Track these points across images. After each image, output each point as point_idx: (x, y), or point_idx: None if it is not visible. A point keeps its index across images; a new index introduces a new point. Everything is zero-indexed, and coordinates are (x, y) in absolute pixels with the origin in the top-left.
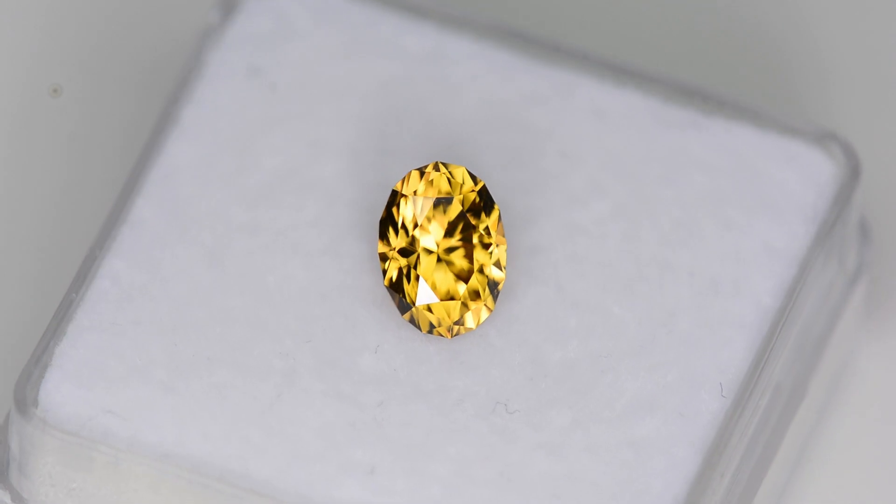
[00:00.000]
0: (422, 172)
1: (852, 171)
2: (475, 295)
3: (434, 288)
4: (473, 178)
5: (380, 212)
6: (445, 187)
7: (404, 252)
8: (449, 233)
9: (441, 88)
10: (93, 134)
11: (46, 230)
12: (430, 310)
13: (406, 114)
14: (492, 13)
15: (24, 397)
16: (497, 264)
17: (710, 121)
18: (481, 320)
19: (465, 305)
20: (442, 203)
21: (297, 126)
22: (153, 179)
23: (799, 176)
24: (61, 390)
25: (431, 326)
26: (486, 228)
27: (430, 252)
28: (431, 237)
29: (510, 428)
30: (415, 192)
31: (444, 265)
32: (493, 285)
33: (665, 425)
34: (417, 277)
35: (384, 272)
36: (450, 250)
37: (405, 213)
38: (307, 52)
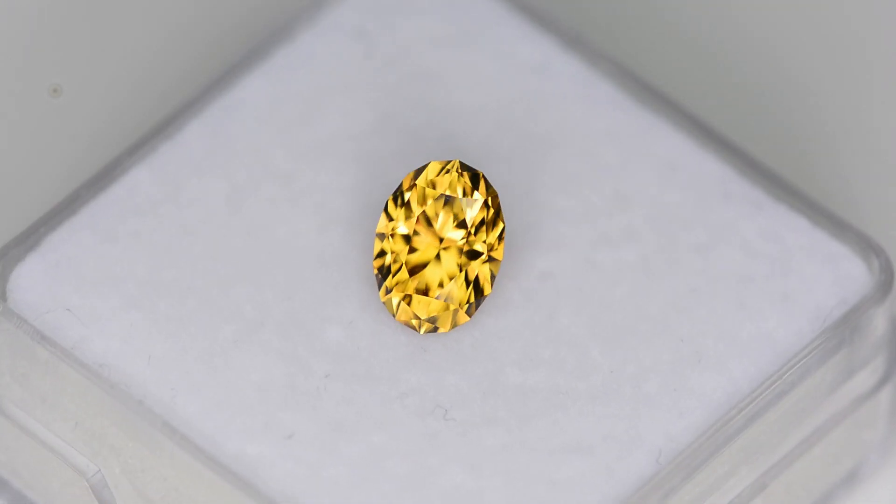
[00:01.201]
0: (442, 167)
1: (883, 285)
2: (456, 300)
3: (418, 280)
4: (489, 186)
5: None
6: (459, 187)
7: (404, 238)
8: (450, 232)
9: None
10: (93, 134)
11: None
12: (408, 300)
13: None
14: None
15: (2, 267)
16: (487, 279)
17: (774, 204)
18: (455, 325)
19: (445, 307)
20: (452, 201)
21: (373, 96)
22: (217, 106)
23: (832, 278)
24: (32, 276)
25: (405, 317)
26: (486, 241)
27: (426, 245)
28: (432, 231)
29: (441, 434)
30: (431, 185)
31: (436, 262)
32: (477, 296)
33: (590, 474)
34: (406, 265)
35: (377, 252)
36: (446, 249)
37: (414, 200)
38: (416, 32)
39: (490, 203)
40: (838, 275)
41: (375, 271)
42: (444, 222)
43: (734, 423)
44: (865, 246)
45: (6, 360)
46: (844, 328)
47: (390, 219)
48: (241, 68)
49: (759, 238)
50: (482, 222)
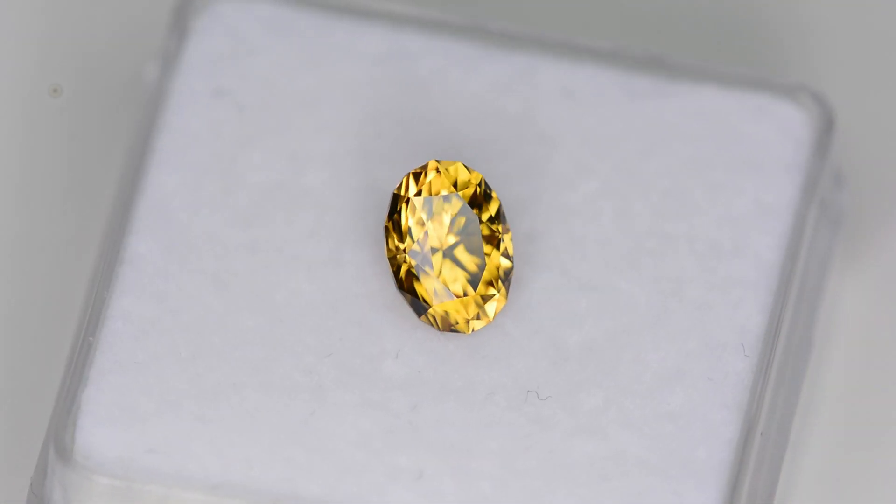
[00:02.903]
0: (420, 173)
1: (826, 121)
2: (489, 287)
3: (448, 286)
4: (469, 171)
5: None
6: (445, 185)
7: (413, 254)
8: (455, 229)
9: (407, 87)
10: (93, 134)
11: (46, 230)
12: (446, 309)
13: (378, 116)
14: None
15: (64, 446)
16: (505, 253)
17: (677, 86)
18: (497, 311)
19: (480, 299)
20: (444, 200)
21: (273, 141)
22: (142, 212)
23: (775, 130)
24: (97, 435)
25: (448, 325)
26: (491, 218)
27: (438, 250)
28: (438, 236)
29: (545, 415)
30: (417, 193)
31: (453, 262)
32: (504, 275)
33: (696, 392)
34: (429, 278)
35: (395, 275)
36: (457, 246)
37: (409, 215)
38: (268, 68)
39: (478, 184)
40: (779, 124)
41: (406, 297)
42: (445, 222)
43: (786, 295)
44: (789, 88)
45: None
46: (819, 170)
47: (394, 241)
48: (138, 167)
49: (686, 121)
50: (479, 205)
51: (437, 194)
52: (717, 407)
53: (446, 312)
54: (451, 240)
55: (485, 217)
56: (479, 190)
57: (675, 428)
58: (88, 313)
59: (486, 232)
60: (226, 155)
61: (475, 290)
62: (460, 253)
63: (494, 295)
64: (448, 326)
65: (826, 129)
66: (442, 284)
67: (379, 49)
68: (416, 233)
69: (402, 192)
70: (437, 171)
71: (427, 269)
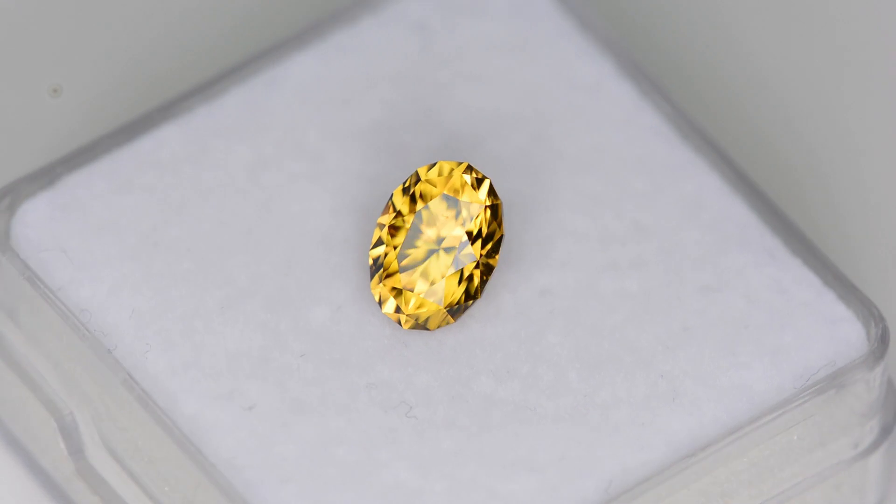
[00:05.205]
0: (451, 167)
1: (875, 353)
2: (444, 300)
3: (408, 275)
4: (494, 194)
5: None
6: (463, 191)
7: (402, 232)
8: (448, 232)
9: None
10: (93, 134)
11: None
12: (395, 294)
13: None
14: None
15: (12, 201)
16: (478, 284)
17: (789, 257)
18: (440, 325)
19: (430, 305)
20: (453, 202)
21: (419, 92)
22: (262, 77)
23: (827, 339)
24: (39, 213)
25: (392, 309)
26: (482, 246)
27: (422, 241)
28: (430, 229)
29: (398, 430)
30: (436, 183)
31: (429, 260)
32: (466, 299)
33: (535, 492)
34: (399, 259)
35: (375, 241)
36: (441, 249)
37: (418, 196)
38: (476, 34)
39: (491, 209)
40: (834, 337)
41: (370, 260)
42: (442, 222)
43: (694, 467)
44: (868, 313)
45: (1, 292)
46: (828, 390)
47: (394, 210)
48: (294, 44)
49: (765, 287)
50: (481, 228)
51: (452, 194)
52: None
53: (394, 298)
54: (442, 242)
55: (482, 242)
56: (488, 219)
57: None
58: (130, 121)
59: (474, 255)
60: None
61: (430, 297)
62: (442, 257)
63: (443, 310)
64: (389, 311)
65: (871, 359)
66: (404, 273)
67: None
68: (411, 217)
69: (424, 175)
70: (465, 172)
71: (399, 252)
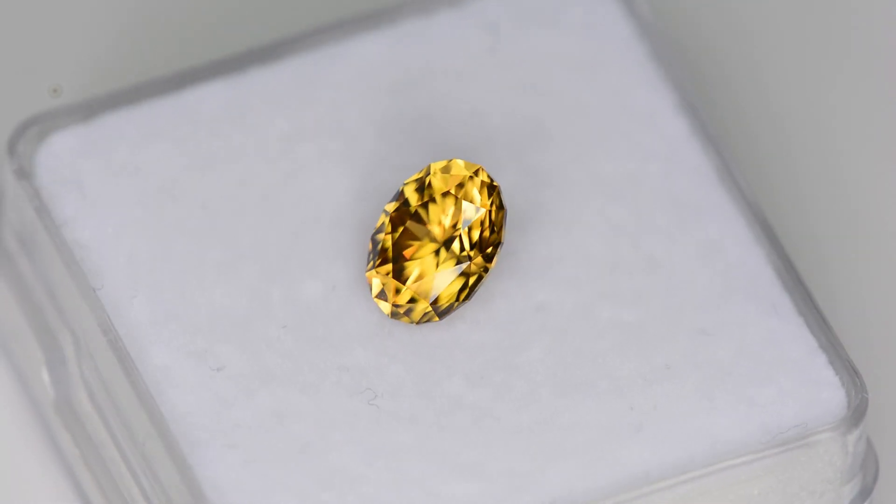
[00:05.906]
0: (464, 168)
1: (847, 421)
2: (433, 297)
3: (402, 266)
4: (500, 201)
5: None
6: (469, 193)
7: (405, 224)
8: (448, 231)
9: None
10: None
11: None
12: (386, 282)
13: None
14: None
15: (42, 129)
16: (469, 287)
17: (793, 315)
18: (425, 321)
19: (418, 299)
20: (458, 202)
21: (474, 92)
22: (325, 52)
23: (806, 402)
24: (66, 145)
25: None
26: (482, 252)
27: (422, 234)
28: (431, 225)
29: (358, 415)
30: (445, 181)
31: (424, 255)
32: (455, 299)
33: (475, 499)
34: (395, 249)
35: (377, 228)
36: (438, 246)
37: (426, 190)
38: (545, 45)
39: (494, 216)
40: (814, 399)
41: (370, 245)
42: (444, 220)
43: (640, 501)
44: (851, 382)
45: (14, 213)
46: (795, 450)
47: (402, 199)
48: (363, 23)
49: (759, 339)
50: (481, 232)
51: (461, 196)
52: None
53: (383, 286)
54: (439, 238)
55: (480, 246)
56: (490, 224)
57: None
58: (178, 73)
59: (470, 255)
60: None
61: (419, 291)
62: (434, 253)
63: (429, 307)
64: (377, 299)
65: (847, 424)
66: (399, 263)
67: None
68: (421, 206)
69: (436, 168)
70: (477, 174)
71: (397, 242)
